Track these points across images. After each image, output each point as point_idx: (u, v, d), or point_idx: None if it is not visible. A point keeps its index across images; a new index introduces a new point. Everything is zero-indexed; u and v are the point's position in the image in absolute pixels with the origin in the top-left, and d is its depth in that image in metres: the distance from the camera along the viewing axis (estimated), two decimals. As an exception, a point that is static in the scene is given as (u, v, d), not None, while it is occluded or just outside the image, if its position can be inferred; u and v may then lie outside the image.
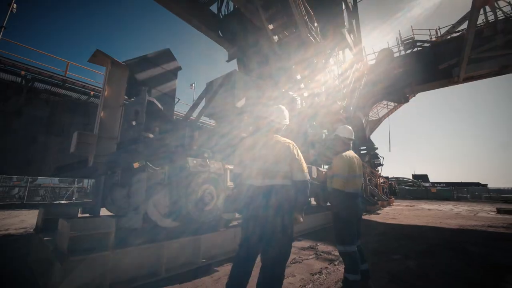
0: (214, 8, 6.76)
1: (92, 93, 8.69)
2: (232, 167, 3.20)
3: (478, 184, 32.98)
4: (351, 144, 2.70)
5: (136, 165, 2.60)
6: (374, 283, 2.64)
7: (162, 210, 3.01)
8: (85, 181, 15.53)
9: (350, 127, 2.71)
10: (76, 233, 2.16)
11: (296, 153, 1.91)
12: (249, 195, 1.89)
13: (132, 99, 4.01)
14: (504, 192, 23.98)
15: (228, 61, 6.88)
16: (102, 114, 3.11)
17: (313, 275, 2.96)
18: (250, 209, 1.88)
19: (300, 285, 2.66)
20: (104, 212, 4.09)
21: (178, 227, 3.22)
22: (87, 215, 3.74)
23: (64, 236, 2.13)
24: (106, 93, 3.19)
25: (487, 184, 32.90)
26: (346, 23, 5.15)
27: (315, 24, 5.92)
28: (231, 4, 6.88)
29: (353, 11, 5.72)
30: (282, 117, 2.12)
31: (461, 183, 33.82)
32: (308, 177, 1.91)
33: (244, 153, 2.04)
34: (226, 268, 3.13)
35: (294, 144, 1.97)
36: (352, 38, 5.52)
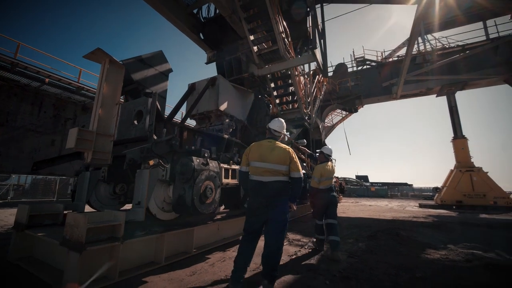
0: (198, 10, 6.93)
1: (47, 80, 7.83)
2: (226, 166, 3.61)
3: (406, 184, 39.35)
4: (329, 158, 4.04)
5: (151, 162, 2.79)
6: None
7: (161, 204, 3.24)
8: (22, 178, 13.50)
9: (331, 148, 4.08)
10: (92, 225, 2.32)
11: (293, 157, 2.46)
12: (258, 188, 2.38)
13: (121, 98, 4.03)
14: (425, 191, 29.16)
15: (207, 63, 7.11)
16: (100, 111, 3.18)
17: (290, 256, 3.58)
18: (259, 198, 2.37)
19: (281, 264, 3.23)
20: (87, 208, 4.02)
21: (173, 219, 3.50)
22: (70, 211, 3.68)
23: (80, 228, 2.25)
24: (103, 90, 3.25)
25: (412, 184, 39.48)
26: (317, 43, 5.97)
27: (289, 40, 6.65)
28: (211, 9, 7.15)
29: (322, 33, 6.60)
30: (282, 128, 2.66)
31: (393, 183, 39.84)
32: (302, 175, 2.49)
33: (251, 155, 2.51)
34: (216, 256, 3.52)
35: (291, 149, 2.53)
36: (320, 53, 6.38)
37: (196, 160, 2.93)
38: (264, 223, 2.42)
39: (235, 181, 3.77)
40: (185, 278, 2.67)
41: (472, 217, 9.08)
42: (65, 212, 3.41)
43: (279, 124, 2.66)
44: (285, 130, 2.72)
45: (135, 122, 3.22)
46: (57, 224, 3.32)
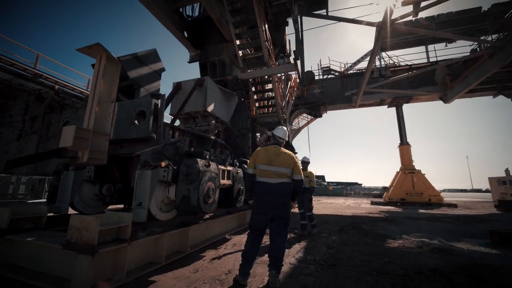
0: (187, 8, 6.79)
1: (-5, 64, 6.76)
2: (223, 167, 3.75)
3: (356, 183, 43.60)
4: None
5: (163, 164, 2.78)
6: (319, 250, 3.92)
7: (159, 205, 3.26)
8: None
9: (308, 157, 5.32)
10: (103, 227, 2.29)
11: (296, 161, 2.79)
12: (265, 189, 2.64)
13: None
14: (373, 190, 32.77)
15: (189, 62, 7.02)
16: (97, 108, 3.06)
17: (279, 251, 3.92)
18: (266, 198, 2.62)
19: (274, 258, 3.55)
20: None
21: (169, 220, 3.53)
22: (52, 214, 3.41)
23: (91, 231, 2.21)
24: (99, 87, 3.12)
25: (362, 184, 43.98)
26: (300, 55, 6.45)
27: (271, 48, 7.02)
28: (196, 9, 7.09)
29: (300, 44, 7.13)
30: (285, 135, 2.97)
31: (347, 182, 43.83)
32: (303, 177, 2.83)
33: (258, 159, 2.75)
34: (210, 253, 3.67)
35: (294, 154, 2.85)
36: (300, 63, 6.89)
37: (200, 162, 3.05)
38: (269, 220, 2.69)
39: (229, 182, 3.94)
40: (191, 276, 2.78)
41: (413, 212, 10.75)
42: (48, 214, 3.17)
43: (283, 132, 2.97)
44: (286, 138, 3.04)
45: (136, 122, 3.16)
46: (40, 228, 3.08)
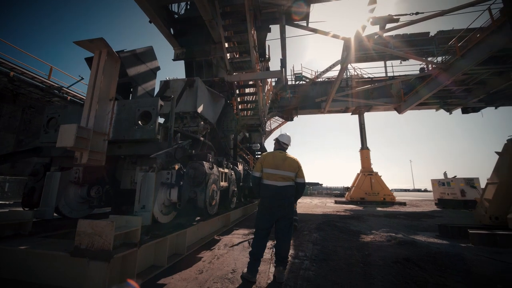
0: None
1: None
2: (222, 170, 3.82)
3: (318, 183, 46.31)
4: None
5: (176, 167, 2.72)
6: (307, 247, 4.26)
7: (160, 207, 3.21)
8: None
9: None
10: (117, 232, 2.23)
11: (300, 165, 3.04)
12: (272, 191, 2.83)
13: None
14: (334, 189, 35.27)
15: (174, 60, 6.80)
16: (97, 107, 2.90)
17: (270, 248, 4.14)
18: (273, 200, 2.82)
19: (270, 256, 3.76)
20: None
21: (168, 222, 3.49)
22: (34, 219, 3.09)
23: (105, 236, 2.13)
24: (99, 84, 2.96)
25: (322, 184, 46.83)
26: (284, 62, 6.79)
27: (257, 53, 7.24)
28: (183, 8, 6.93)
29: (283, 51, 7.50)
30: (289, 141, 3.20)
31: (309, 182, 46.28)
32: (305, 180, 3.09)
33: (266, 163, 2.93)
34: (207, 254, 3.71)
35: (298, 159, 3.10)
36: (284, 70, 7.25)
37: (206, 164, 3.10)
38: (275, 221, 2.89)
39: (226, 184, 4.01)
40: (198, 277, 2.83)
41: (373, 210, 12.01)
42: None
43: (287, 138, 3.20)
44: (291, 143, 3.27)
45: (140, 122, 3.05)
46: (23, 234, 2.78)
